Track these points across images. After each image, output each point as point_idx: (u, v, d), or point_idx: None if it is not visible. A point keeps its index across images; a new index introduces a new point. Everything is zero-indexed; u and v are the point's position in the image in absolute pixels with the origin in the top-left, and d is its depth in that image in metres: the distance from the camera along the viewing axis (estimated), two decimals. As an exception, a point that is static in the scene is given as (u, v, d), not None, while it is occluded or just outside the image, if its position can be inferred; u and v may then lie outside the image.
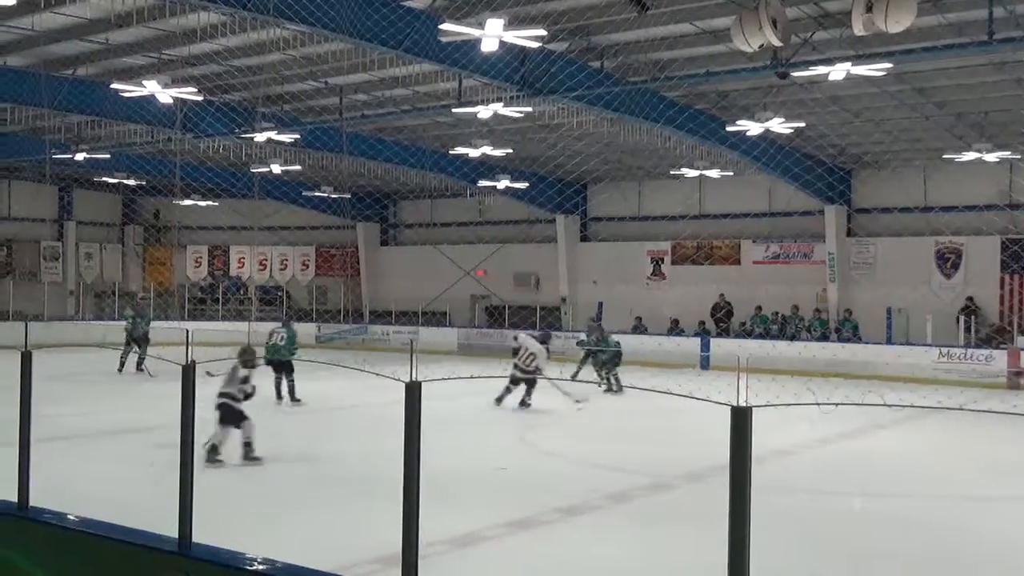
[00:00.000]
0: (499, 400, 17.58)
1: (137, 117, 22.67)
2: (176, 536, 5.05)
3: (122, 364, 22.50)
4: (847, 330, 27.23)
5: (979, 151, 22.21)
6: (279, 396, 17.48)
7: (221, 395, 11.56)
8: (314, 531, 8.52)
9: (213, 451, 11.37)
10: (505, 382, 17.48)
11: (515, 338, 19.46)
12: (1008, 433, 14.54)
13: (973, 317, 25.46)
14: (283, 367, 17.52)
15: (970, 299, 26.27)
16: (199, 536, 5.03)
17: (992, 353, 23.87)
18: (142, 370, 22.02)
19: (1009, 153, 22.71)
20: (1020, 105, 20.30)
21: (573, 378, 20.65)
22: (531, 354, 17.72)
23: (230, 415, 11.57)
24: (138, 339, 22.77)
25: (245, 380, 11.84)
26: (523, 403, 17.50)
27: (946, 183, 26.53)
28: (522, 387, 17.58)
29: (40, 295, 34.12)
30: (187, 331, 5.88)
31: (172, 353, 6.05)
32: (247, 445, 11.68)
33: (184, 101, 20.57)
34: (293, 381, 17.65)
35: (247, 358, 11.92)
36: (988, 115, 21.74)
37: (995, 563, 8.16)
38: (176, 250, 39.69)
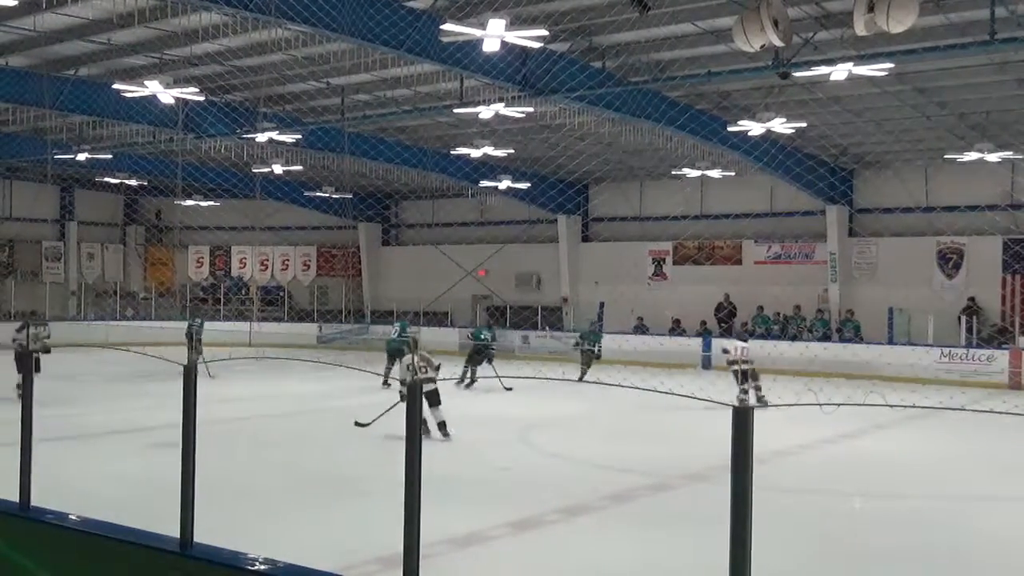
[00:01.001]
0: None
1: (139, 117, 22.68)
2: (178, 536, 5.05)
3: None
4: (849, 330, 27.23)
5: (981, 151, 22.18)
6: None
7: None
8: (316, 531, 8.53)
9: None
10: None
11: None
12: (1010, 433, 14.53)
13: (975, 317, 25.45)
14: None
15: (972, 299, 26.26)
16: (200, 536, 5.03)
17: (994, 353, 23.85)
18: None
19: (1011, 153, 22.68)
20: (1022, 105, 20.29)
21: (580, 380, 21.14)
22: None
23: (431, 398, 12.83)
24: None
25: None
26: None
27: (948, 183, 26.51)
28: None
29: (42, 295, 34.15)
30: (195, 330, 5.87)
31: (174, 353, 6.06)
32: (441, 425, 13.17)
33: (186, 101, 20.58)
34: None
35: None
36: (990, 115, 21.73)
37: (997, 563, 8.15)
38: (178, 250, 39.72)
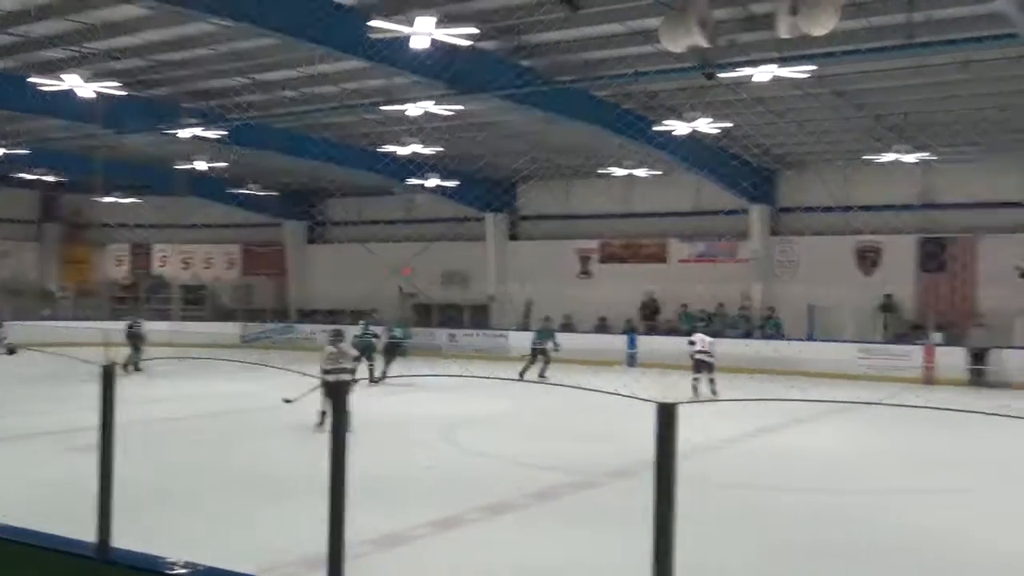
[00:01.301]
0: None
1: (57, 112, 22.07)
2: (95, 541, 4.94)
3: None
4: (770, 328, 27.69)
5: (897, 152, 22.77)
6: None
7: None
8: (239, 533, 8.41)
9: None
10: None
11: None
12: (925, 427, 14.94)
13: (891, 314, 26.10)
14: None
15: (888, 296, 26.95)
16: (119, 540, 4.93)
17: (909, 349, 24.51)
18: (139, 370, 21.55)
19: (926, 154, 23.33)
20: (937, 108, 20.86)
21: (541, 375, 22.28)
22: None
23: None
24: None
25: None
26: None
27: (866, 183, 27.17)
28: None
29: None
30: (107, 331, 5.75)
31: (92, 354, 5.92)
32: None
33: (106, 96, 20.10)
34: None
35: None
36: (907, 117, 22.29)
37: (915, 555, 8.36)
38: (96, 248, 38.82)
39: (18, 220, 37.81)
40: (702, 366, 19.31)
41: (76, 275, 38.68)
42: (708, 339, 20.02)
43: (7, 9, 16.86)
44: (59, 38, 18.71)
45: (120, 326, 24.17)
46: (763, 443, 14.31)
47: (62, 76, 17.90)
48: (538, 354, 23.38)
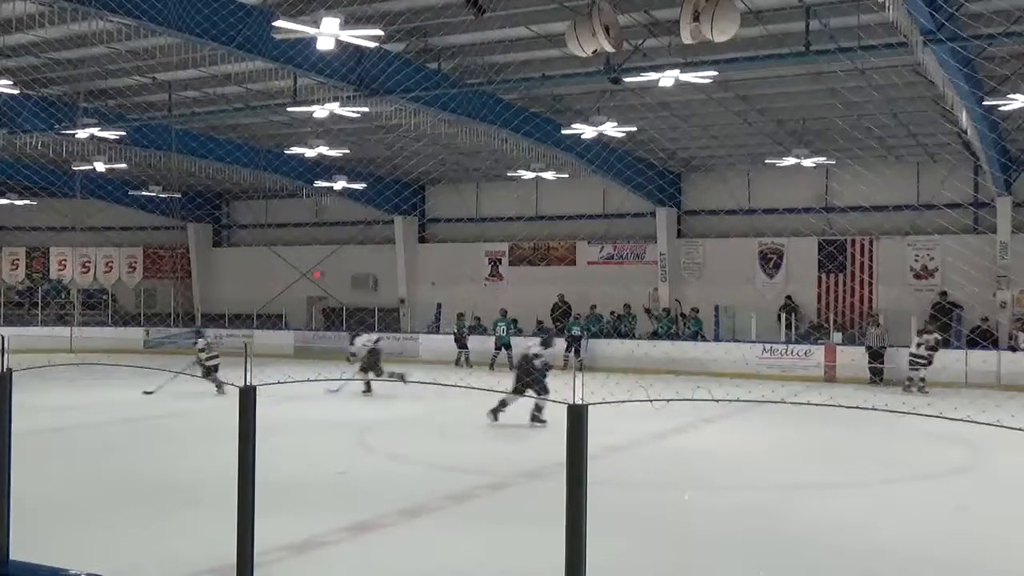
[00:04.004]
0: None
1: (-55, 110, 21.29)
2: (-8, 554, 4.78)
3: None
4: (692, 328, 27.70)
5: (798, 156, 23.37)
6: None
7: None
8: (144, 543, 8.20)
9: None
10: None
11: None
12: (826, 423, 15.34)
13: (793, 314, 26.78)
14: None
15: (789, 297, 27.63)
16: (17, 553, 4.78)
17: (811, 348, 25.16)
18: None
19: (825, 159, 24.00)
20: (835, 113, 21.48)
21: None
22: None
23: None
24: None
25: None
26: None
27: (768, 187, 27.86)
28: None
29: None
30: (2, 337, 5.56)
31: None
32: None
33: (-2, 94, 19.46)
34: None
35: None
36: (805, 122, 22.90)
37: (815, 546, 8.59)
38: (-10, 252, 37.49)
39: (-95, 223, 36.30)
40: None
41: (-32, 280, 37.29)
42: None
43: None
44: (-52, 34, 18.03)
45: (17, 332, 23.38)
46: (672, 443, 14.53)
47: (-48, 74, 17.26)
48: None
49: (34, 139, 23.17)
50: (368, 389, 19.89)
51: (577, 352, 26.27)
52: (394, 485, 10.96)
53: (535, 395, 15.35)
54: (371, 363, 19.89)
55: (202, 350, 19.94)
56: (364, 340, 20.66)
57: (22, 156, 26.88)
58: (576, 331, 27.09)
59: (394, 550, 8.34)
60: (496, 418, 15.39)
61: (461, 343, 28.38)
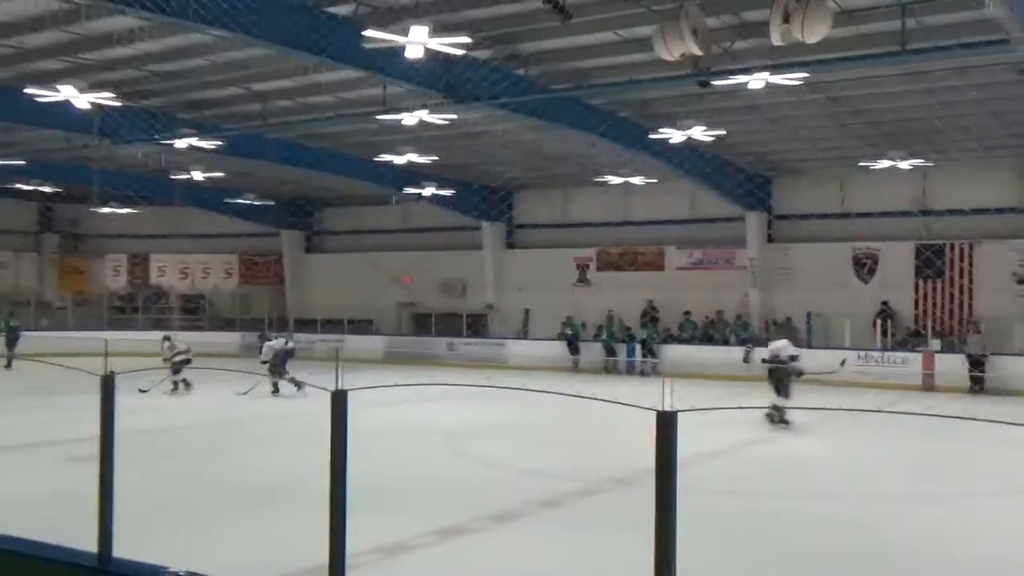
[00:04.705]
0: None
1: (53, 123, 22.10)
2: (95, 551, 4.94)
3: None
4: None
5: (893, 159, 22.82)
6: None
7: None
8: (240, 542, 8.40)
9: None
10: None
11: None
12: (923, 434, 14.94)
13: (889, 321, 26.13)
14: None
15: (885, 303, 26.95)
16: (119, 550, 4.93)
17: (907, 356, 24.51)
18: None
19: (922, 161, 23.38)
20: (932, 114, 20.93)
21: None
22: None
23: None
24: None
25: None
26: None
27: (862, 190, 27.24)
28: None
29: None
30: (105, 341, 5.76)
31: (91, 364, 5.91)
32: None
33: (102, 106, 20.11)
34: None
35: None
36: (901, 124, 22.36)
37: (917, 562, 8.37)
38: (94, 259, 38.80)
39: (16, 231, 37.81)
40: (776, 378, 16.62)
41: (74, 285, 38.66)
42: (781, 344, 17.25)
43: (2, 20, 16.87)
44: (54, 49, 18.74)
45: (119, 336, 24.20)
46: (763, 451, 14.31)
47: (58, 87, 17.91)
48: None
49: (135, 149, 23.94)
50: (276, 390, 20.51)
51: (652, 354, 26.31)
52: (483, 490, 11.01)
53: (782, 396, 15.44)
54: (276, 364, 20.71)
55: (170, 351, 20.98)
56: (273, 342, 21.66)
57: (124, 166, 27.79)
58: (645, 336, 27.54)
59: (483, 555, 8.38)
60: (779, 422, 15.66)
61: (574, 348, 28.40)
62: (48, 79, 19.59)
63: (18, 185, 31.68)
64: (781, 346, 16.71)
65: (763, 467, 13.01)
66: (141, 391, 17.87)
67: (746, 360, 25.08)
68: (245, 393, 19.53)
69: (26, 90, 18.70)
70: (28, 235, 38.48)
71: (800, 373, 16.03)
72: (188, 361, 20.73)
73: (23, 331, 28.69)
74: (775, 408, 15.44)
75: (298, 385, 18.99)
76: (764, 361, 17.09)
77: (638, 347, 28.10)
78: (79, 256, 39.03)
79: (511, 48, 17.92)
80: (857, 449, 14.68)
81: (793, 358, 15.82)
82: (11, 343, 27.42)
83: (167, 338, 22.14)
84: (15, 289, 37.06)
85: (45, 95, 18.16)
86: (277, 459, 12.82)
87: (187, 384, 20.76)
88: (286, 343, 21.61)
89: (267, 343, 21.85)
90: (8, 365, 26.86)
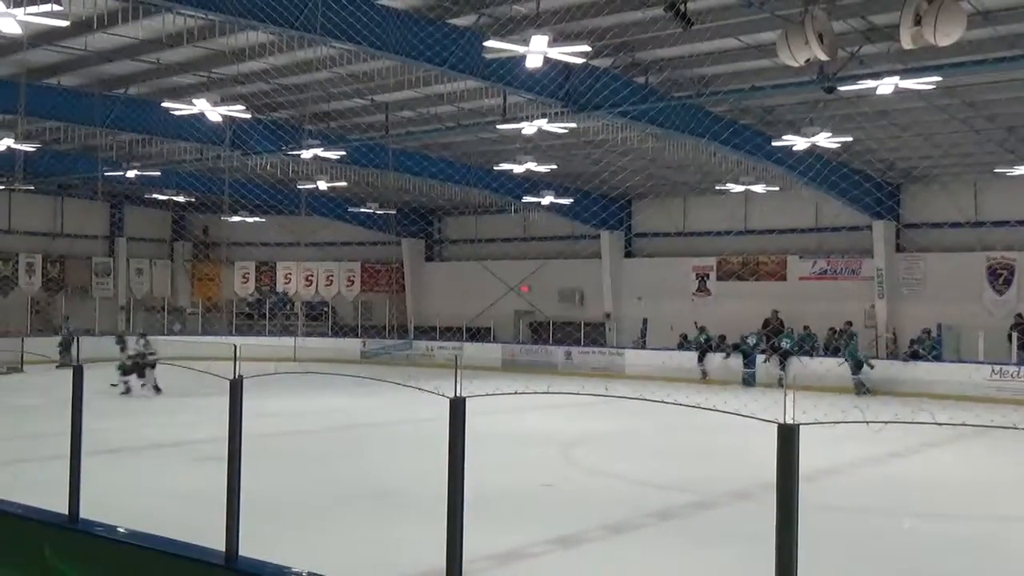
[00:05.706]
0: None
1: (187, 135, 23.06)
2: (223, 549, 5.09)
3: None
4: (926, 349, 25.74)
5: (1031, 165, 21.85)
6: None
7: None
8: (359, 545, 8.55)
9: None
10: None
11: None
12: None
13: (1026, 334, 24.93)
14: None
15: (1020, 315, 25.75)
16: (245, 549, 5.07)
17: (1046, 371, 23.36)
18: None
19: (1063, 167, 22.32)
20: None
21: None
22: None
23: None
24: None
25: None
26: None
27: (997, 197, 26.12)
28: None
29: (91, 310, 34.69)
30: (235, 346, 5.94)
31: (220, 368, 6.11)
32: None
33: (233, 119, 20.85)
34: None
35: None
36: (1041, 129, 21.41)
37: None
38: (224, 266, 40.18)
39: (151, 239, 39.45)
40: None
41: (205, 291, 40.12)
42: None
43: (141, 38, 17.66)
44: (189, 64, 19.55)
45: (246, 341, 24.93)
46: (890, 467, 13.84)
47: (192, 101, 18.63)
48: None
49: (263, 160, 24.72)
50: (127, 391, 21.37)
51: (783, 367, 25.61)
52: (599, 500, 10.95)
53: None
54: (135, 366, 21.64)
55: (133, 354, 21.87)
56: (133, 344, 22.49)
57: (253, 176, 28.71)
58: (786, 344, 26.45)
59: (597, 565, 8.33)
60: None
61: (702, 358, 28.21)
62: (183, 93, 20.43)
63: (154, 195, 33.05)
64: None
65: (888, 484, 12.58)
66: (113, 386, 20.45)
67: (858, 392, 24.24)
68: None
69: (163, 104, 19.53)
70: (162, 243, 40.11)
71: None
72: (153, 365, 21.52)
73: (80, 334, 28.72)
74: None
75: (157, 390, 21.03)
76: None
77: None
78: (210, 263, 40.48)
79: (631, 56, 17.84)
80: (989, 467, 14.07)
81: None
82: (66, 346, 27.92)
83: (143, 335, 22.89)
84: (149, 295, 38.65)
85: (180, 108, 18.91)
86: (396, 464, 13.02)
87: (156, 389, 21.62)
88: (145, 345, 22.27)
89: (130, 340, 23.15)
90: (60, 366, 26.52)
